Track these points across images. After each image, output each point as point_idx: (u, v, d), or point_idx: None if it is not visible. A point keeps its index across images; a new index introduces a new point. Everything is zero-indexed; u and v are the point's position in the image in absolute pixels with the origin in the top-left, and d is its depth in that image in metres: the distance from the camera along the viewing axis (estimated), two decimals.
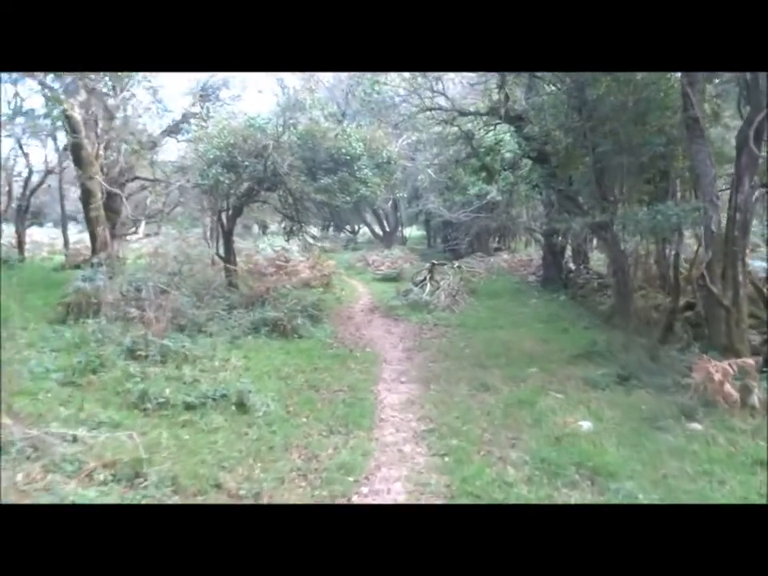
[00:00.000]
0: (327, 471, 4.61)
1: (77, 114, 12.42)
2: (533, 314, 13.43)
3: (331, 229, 41.57)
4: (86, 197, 12.85)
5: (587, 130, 8.47)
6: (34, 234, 27.75)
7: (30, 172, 20.97)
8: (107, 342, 7.12)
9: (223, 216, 14.61)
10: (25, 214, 21.33)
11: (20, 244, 20.84)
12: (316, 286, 17.52)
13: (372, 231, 31.58)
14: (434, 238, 33.53)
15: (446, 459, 4.98)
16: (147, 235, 20.45)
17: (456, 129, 11.99)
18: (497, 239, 28.13)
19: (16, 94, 15.09)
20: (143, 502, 3.67)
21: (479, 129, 12.14)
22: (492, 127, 11.66)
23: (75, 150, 12.68)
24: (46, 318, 9.37)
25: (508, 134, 10.10)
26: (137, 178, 16.87)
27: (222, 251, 14.86)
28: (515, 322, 12.49)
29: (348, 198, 12.15)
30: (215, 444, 4.85)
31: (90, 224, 12.97)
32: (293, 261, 18.36)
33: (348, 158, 12.16)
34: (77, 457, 3.91)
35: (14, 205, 21.52)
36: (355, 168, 12.35)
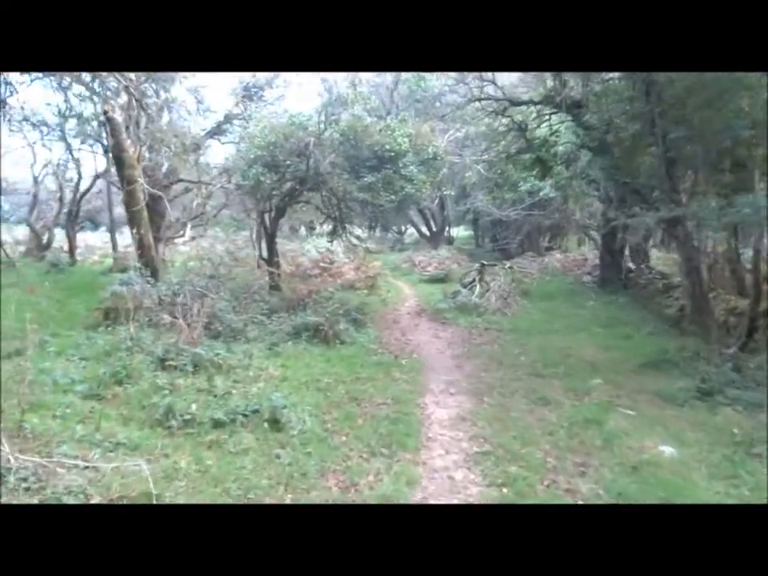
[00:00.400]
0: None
1: (118, 116, 12.25)
2: (591, 317, 12.54)
3: (378, 229, 41.22)
4: (128, 199, 12.65)
5: (656, 116, 7.62)
6: (88, 238, 28.35)
7: (80, 177, 21.29)
8: (138, 350, 6.74)
9: (266, 217, 14.30)
10: (75, 219, 21.66)
11: (71, 248, 21.14)
12: (361, 288, 17.06)
13: (418, 231, 30.88)
14: (482, 238, 32.58)
15: (504, 491, 4.32)
16: (193, 238, 20.36)
17: (507, 120, 11.22)
18: (548, 238, 27.04)
19: (66, 99, 15.30)
20: None
21: (533, 119, 11.31)
22: (547, 117, 10.84)
23: (116, 153, 12.52)
24: (84, 323, 9.16)
25: (564, 124, 9.26)
26: (180, 180, 16.72)
27: (265, 253, 14.58)
28: (572, 326, 11.65)
29: (392, 197, 11.55)
30: (242, 470, 4.32)
31: (133, 227, 12.77)
32: (337, 262, 17.93)
33: (392, 154, 11.58)
34: (83, 488, 3.45)
35: (65, 210, 21.90)
36: (400, 165, 11.76)
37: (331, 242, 14.51)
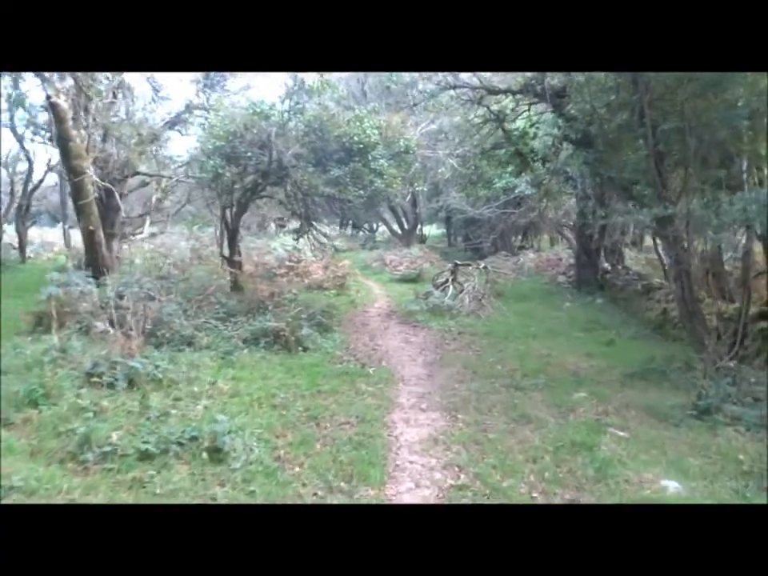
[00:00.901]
0: None
1: (63, 102, 11.24)
2: (569, 320, 11.99)
3: (349, 227, 40.41)
4: (76, 192, 11.65)
5: (644, 106, 7.01)
6: (46, 234, 26.98)
7: (31, 169, 20.02)
8: (64, 363, 5.86)
9: (228, 213, 13.41)
10: (26, 213, 20.39)
11: (21, 245, 19.91)
12: (329, 288, 16.32)
13: (390, 229, 30.19)
14: (454, 236, 32.08)
15: None
16: (153, 234, 19.29)
17: (483, 110, 10.55)
18: (520, 237, 26.58)
19: (14, 86, 14.16)
20: None
21: (510, 110, 10.66)
22: (526, 108, 10.20)
23: (62, 142, 11.49)
24: (17, 329, 8.21)
25: (544, 115, 8.60)
26: (137, 173, 15.70)
27: (227, 251, 13.68)
28: (550, 329, 11.08)
29: (361, 192, 10.80)
30: None
31: (81, 222, 11.77)
32: (304, 261, 17.11)
33: (361, 146, 10.84)
34: None
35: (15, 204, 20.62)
36: (369, 158, 11.01)
37: (297, 239, 13.65)
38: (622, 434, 5.27)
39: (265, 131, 10.92)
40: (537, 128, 8.21)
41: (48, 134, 18.24)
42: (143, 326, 6.91)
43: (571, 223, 16.40)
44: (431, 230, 34.37)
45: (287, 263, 16.56)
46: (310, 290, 16.25)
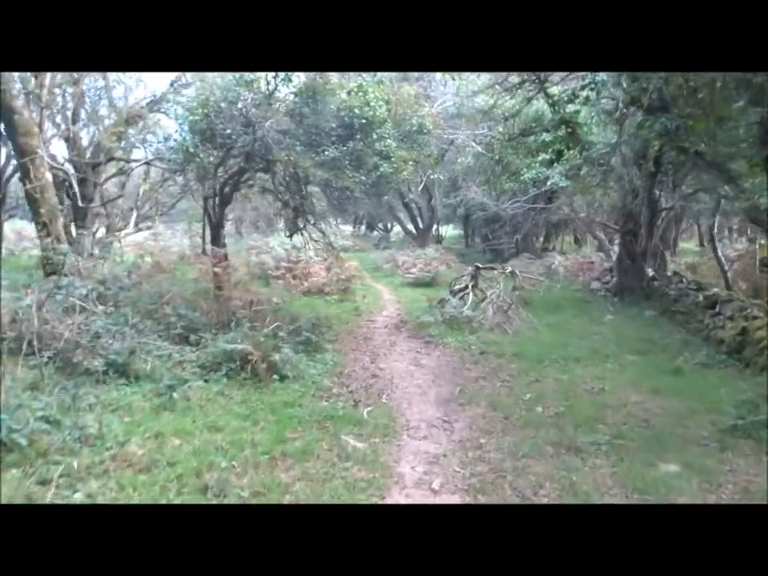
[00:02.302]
0: None
1: None
2: (615, 337, 9.81)
3: (363, 227, 38.32)
4: (25, 175, 9.68)
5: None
6: (25, 228, 25.20)
7: (8, 159, 18.19)
8: None
9: (210, 204, 11.44)
10: (1, 206, 18.57)
11: None
12: (331, 293, 14.32)
13: (404, 228, 28.07)
14: (472, 237, 29.89)
15: None
16: (139, 229, 17.41)
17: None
18: (542, 239, 24.28)
19: None
20: None
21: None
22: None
23: (6, 116, 9.59)
24: None
25: (599, 75, 6.45)
26: (112, 159, 13.79)
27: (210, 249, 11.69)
28: (594, 350, 8.93)
29: (363, 178, 8.73)
30: None
31: (32, 212, 9.85)
32: (304, 262, 15.07)
33: (364, 122, 8.78)
34: None
35: None
36: (374, 137, 8.96)
37: (290, 236, 11.60)
38: None
39: (248, 103, 8.91)
40: (592, 89, 6.13)
41: None
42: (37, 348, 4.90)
43: (611, 222, 14.16)
44: (448, 231, 32.19)
45: (283, 264, 14.54)
46: (309, 295, 14.27)
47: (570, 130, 7.62)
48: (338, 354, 8.42)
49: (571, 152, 12.33)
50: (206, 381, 6.17)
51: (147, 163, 12.91)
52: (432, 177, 11.69)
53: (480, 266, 12.14)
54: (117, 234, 17.45)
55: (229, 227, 28.35)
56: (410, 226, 26.55)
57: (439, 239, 27.19)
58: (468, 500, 4.00)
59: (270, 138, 8.61)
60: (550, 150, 12.75)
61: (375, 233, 36.25)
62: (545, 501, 3.96)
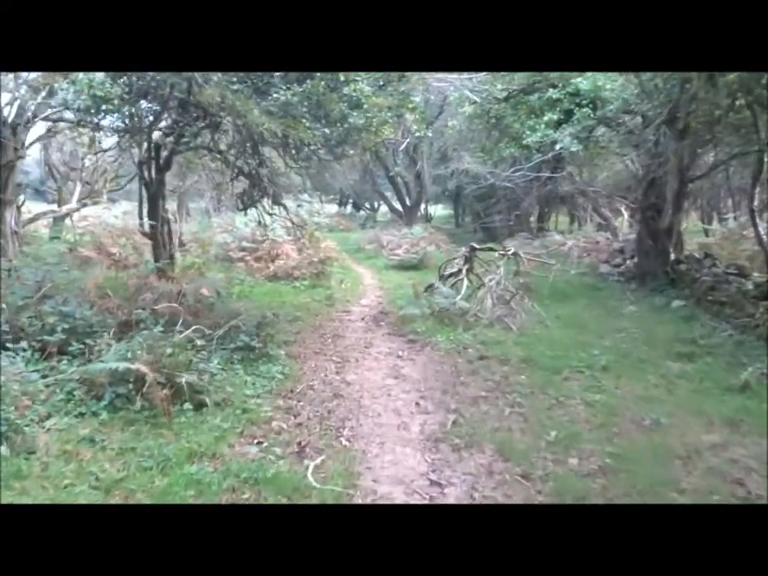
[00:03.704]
0: None
1: None
2: (643, 335, 7.83)
3: (349, 206, 36.09)
4: None
5: None
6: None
7: None
8: None
9: (146, 170, 9.26)
10: None
11: None
12: (302, 278, 12.30)
13: (390, 206, 25.95)
14: (462, 215, 27.81)
15: None
16: (84, 204, 15.17)
17: None
18: (534, 217, 22.15)
19: None
20: None
21: None
22: None
23: None
24: None
25: None
26: (36, 117, 11.51)
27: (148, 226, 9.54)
28: (622, 353, 6.98)
29: (326, 131, 6.62)
30: None
31: None
32: (269, 241, 12.94)
33: None
34: None
35: None
36: (341, 79, 6.84)
37: (243, 210, 9.46)
38: None
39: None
40: None
41: None
42: None
43: (626, 196, 12.13)
44: (437, 211, 30.11)
45: (245, 244, 12.42)
46: (275, 280, 12.24)
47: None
48: (292, 363, 6.42)
49: (583, 110, 10.52)
50: (76, 416, 4.12)
51: (50, 119, 10.66)
52: (418, 137, 9.55)
53: (476, 246, 10.09)
54: (57, 210, 15.27)
55: (200, 204, 26.17)
56: (397, 204, 24.44)
57: (428, 218, 25.13)
58: None
59: (202, 79, 6.46)
60: (557, 109, 10.98)
61: (362, 212, 34.11)
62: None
